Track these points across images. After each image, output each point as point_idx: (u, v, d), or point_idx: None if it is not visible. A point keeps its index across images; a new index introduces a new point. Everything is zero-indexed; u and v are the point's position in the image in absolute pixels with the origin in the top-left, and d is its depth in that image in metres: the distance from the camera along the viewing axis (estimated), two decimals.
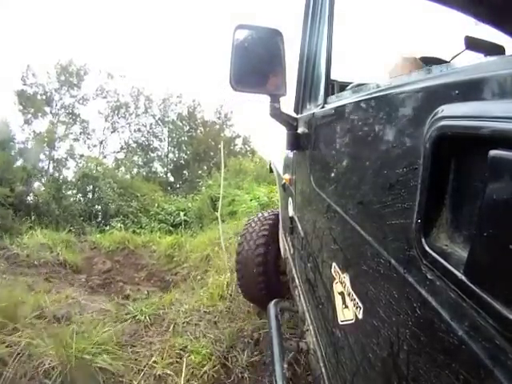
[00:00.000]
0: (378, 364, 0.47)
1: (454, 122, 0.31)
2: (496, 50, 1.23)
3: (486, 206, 0.26)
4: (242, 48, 0.96)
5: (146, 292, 3.01)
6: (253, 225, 2.07)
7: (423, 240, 0.34)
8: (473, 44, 1.24)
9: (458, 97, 0.31)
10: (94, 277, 3.60)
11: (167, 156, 17.82)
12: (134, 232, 6.71)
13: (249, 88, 1.00)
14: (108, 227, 7.80)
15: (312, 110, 0.99)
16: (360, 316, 0.53)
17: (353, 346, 0.58)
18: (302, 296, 1.09)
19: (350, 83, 1.25)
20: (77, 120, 15.74)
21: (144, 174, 16.20)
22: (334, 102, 0.82)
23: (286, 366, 0.99)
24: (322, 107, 0.89)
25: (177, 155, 18.09)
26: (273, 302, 1.32)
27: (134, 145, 17.31)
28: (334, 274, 0.68)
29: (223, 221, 5.41)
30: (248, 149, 18.28)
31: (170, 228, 7.69)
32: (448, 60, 1.29)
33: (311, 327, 0.93)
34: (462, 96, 0.31)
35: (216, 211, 6.31)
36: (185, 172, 17.28)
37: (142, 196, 10.71)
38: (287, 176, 1.43)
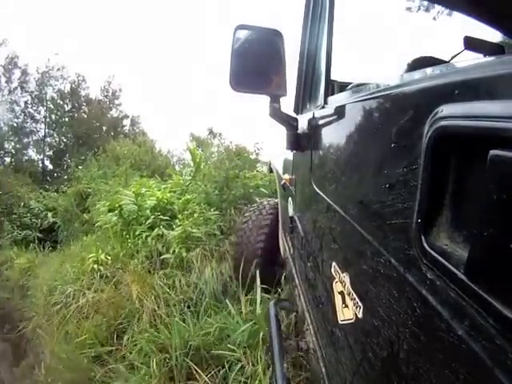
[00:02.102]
0: (378, 363, 0.47)
1: (454, 121, 0.31)
2: (496, 50, 1.23)
3: (486, 205, 0.26)
4: (241, 48, 0.96)
5: None
6: (253, 217, 2.14)
7: (423, 239, 0.34)
8: (472, 44, 1.24)
9: (457, 97, 0.31)
10: None
11: (44, 140, 14.50)
12: None
13: (248, 88, 1.00)
14: None
15: (312, 110, 0.99)
16: (360, 315, 0.53)
17: (353, 345, 0.58)
18: (301, 295, 1.09)
19: (350, 83, 1.25)
20: None
21: (16, 163, 13.10)
22: (334, 102, 0.82)
23: (285, 365, 0.99)
24: (322, 107, 0.89)
25: (57, 139, 14.89)
26: (272, 302, 1.32)
27: (6, 128, 13.68)
28: (333, 274, 0.68)
29: (86, 233, 4.21)
30: (137, 130, 16.22)
31: (39, 235, 5.87)
32: (448, 60, 1.29)
33: (311, 327, 0.93)
34: (461, 96, 0.31)
35: (85, 212, 5.16)
36: (66, 159, 13.98)
37: (5, 194, 7.49)
38: (287, 176, 1.43)
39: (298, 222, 1.17)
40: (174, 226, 2.95)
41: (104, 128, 15.57)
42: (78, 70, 15.02)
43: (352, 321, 0.57)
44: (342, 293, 0.63)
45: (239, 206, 3.16)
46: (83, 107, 15.42)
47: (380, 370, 0.47)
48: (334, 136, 0.78)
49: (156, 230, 2.95)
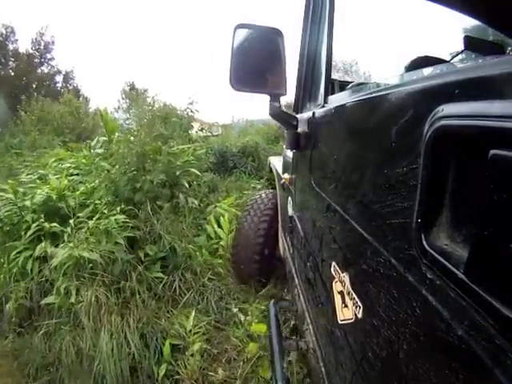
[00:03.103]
0: (378, 363, 0.47)
1: (454, 121, 0.31)
2: (496, 49, 1.23)
3: (487, 205, 0.26)
4: (242, 47, 0.96)
5: None
6: (255, 206, 2.15)
7: (423, 239, 0.34)
8: (472, 44, 1.24)
9: (458, 96, 0.31)
10: None
11: None
12: None
13: (249, 87, 1.00)
14: None
15: (312, 109, 0.99)
16: (359, 315, 0.53)
17: (352, 345, 0.58)
18: (301, 295, 1.09)
19: (350, 82, 1.25)
20: None
21: None
22: (334, 101, 0.82)
23: (285, 365, 0.99)
24: (322, 107, 0.89)
25: None
26: (272, 302, 1.32)
27: None
28: (333, 273, 0.68)
29: None
30: (70, 87, 14.42)
31: None
32: (448, 60, 1.29)
33: (310, 326, 0.93)
34: (461, 95, 0.31)
35: None
36: None
37: None
38: (287, 176, 1.43)
39: (297, 221, 1.17)
40: (66, 238, 1.87)
41: (34, 86, 13.48)
42: (5, 21, 13.12)
43: (352, 320, 0.57)
44: (341, 292, 0.63)
45: (160, 196, 2.27)
46: (10, 63, 13.34)
47: (380, 369, 0.47)
48: (334, 135, 0.78)
49: (39, 247, 1.84)
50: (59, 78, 14.83)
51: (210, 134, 6.33)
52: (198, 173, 2.63)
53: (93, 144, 3.16)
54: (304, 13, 1.10)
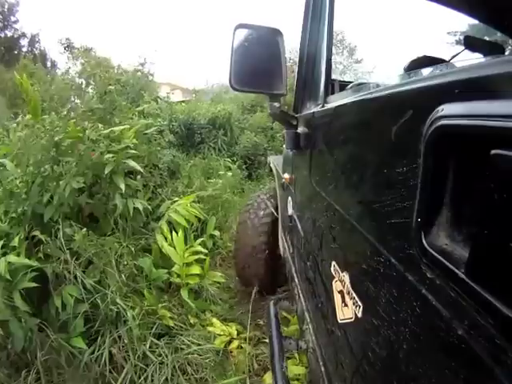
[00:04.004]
0: (378, 363, 0.47)
1: (454, 121, 0.31)
2: (495, 49, 1.23)
3: (487, 204, 0.26)
4: (242, 47, 0.96)
5: None
6: (255, 205, 2.09)
7: (423, 239, 0.34)
8: (472, 44, 1.24)
9: (457, 96, 0.31)
10: None
11: None
12: None
13: (249, 87, 1.01)
14: None
15: (312, 109, 0.99)
16: (359, 315, 0.53)
17: (352, 344, 0.58)
18: (301, 295, 1.09)
19: (350, 82, 1.25)
20: None
21: None
22: (334, 101, 0.82)
23: (285, 365, 0.99)
24: (322, 106, 0.89)
25: None
26: (272, 302, 1.32)
27: None
28: (333, 273, 0.68)
29: None
30: (37, 52, 13.02)
31: None
32: (448, 59, 1.29)
33: (310, 326, 0.93)
34: (461, 95, 0.31)
35: None
36: None
37: None
38: (287, 175, 1.43)
39: (297, 221, 1.17)
40: None
41: None
42: None
43: (351, 320, 0.57)
44: (341, 292, 0.63)
45: (84, 208, 1.64)
46: None
47: (379, 369, 0.47)
48: (333, 135, 0.78)
49: None
50: (24, 42, 13.59)
51: (172, 101, 5.15)
52: (139, 168, 1.82)
53: (14, 126, 2.20)
54: (304, 12, 1.10)
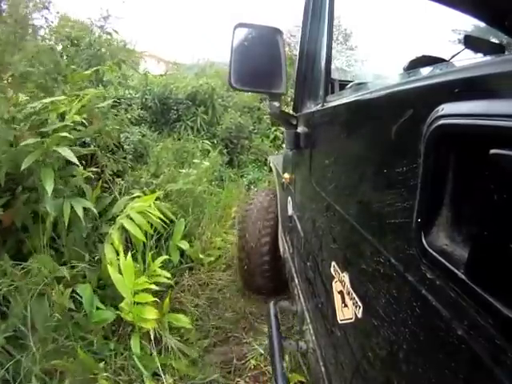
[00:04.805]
0: (378, 363, 0.47)
1: (454, 120, 0.31)
2: (496, 49, 1.23)
3: (487, 205, 0.26)
4: (241, 47, 0.96)
5: None
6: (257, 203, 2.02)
7: (423, 239, 0.34)
8: (472, 43, 1.23)
9: (457, 95, 0.31)
10: None
11: None
12: None
13: (248, 86, 1.00)
14: None
15: (312, 108, 0.99)
16: (359, 315, 0.53)
17: (352, 344, 0.58)
18: (301, 295, 1.09)
19: (350, 82, 1.25)
20: None
21: None
22: (334, 100, 0.82)
23: (285, 365, 0.99)
24: (322, 106, 0.88)
25: None
26: (272, 302, 1.32)
27: None
28: (333, 273, 0.68)
29: None
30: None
31: None
32: (448, 59, 1.29)
33: (310, 326, 0.93)
34: (461, 95, 0.31)
35: None
36: None
37: None
38: (287, 175, 1.43)
39: (297, 221, 1.17)
40: None
41: None
42: None
43: (351, 320, 0.57)
44: (341, 292, 0.63)
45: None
46: None
47: (379, 369, 0.47)
48: (333, 135, 0.78)
49: None
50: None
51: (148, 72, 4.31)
52: (75, 160, 1.30)
53: None
54: (304, 12, 1.10)
